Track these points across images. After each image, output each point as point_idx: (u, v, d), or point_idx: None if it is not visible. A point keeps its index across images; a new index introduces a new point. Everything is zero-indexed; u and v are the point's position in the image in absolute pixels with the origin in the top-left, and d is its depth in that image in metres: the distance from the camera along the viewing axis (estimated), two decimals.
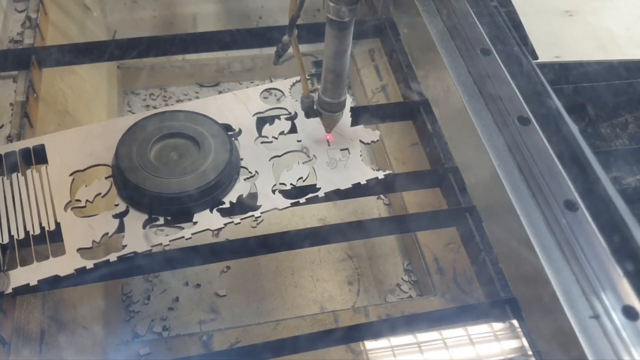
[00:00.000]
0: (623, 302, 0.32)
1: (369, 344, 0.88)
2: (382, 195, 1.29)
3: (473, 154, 0.42)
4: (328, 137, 0.82)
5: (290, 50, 0.75)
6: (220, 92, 1.47)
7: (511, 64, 0.45)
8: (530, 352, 0.81)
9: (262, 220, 1.22)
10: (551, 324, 0.33)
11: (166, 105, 1.41)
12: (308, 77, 0.79)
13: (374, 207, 1.28)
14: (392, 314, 0.98)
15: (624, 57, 1.04)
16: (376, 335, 0.80)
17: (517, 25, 0.90)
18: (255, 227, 1.20)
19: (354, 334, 0.73)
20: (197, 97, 1.44)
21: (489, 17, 0.49)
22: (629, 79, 0.92)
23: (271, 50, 1.45)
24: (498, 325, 0.85)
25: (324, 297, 1.12)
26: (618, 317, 0.31)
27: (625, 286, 0.32)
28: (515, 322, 0.81)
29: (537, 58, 0.95)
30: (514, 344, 0.83)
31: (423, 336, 0.87)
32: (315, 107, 0.73)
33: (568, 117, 0.42)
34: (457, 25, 0.48)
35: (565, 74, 0.98)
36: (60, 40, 1.10)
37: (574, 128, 0.40)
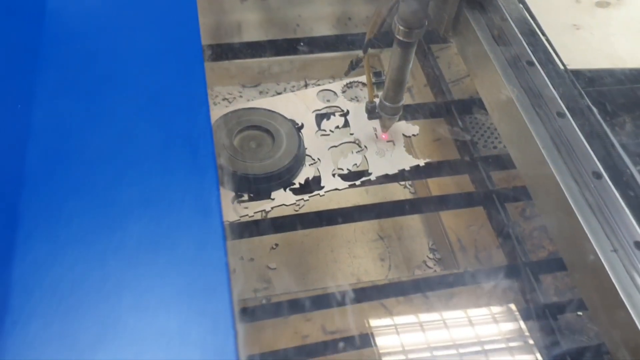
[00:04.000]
0: None
1: (373, 322, 1.00)
2: (408, 185, 1.46)
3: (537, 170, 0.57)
4: (384, 136, 0.98)
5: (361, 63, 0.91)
6: (260, 92, 1.63)
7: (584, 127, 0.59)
8: (527, 334, 0.95)
9: (304, 205, 1.38)
10: None
11: (214, 103, 1.57)
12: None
13: (401, 195, 1.44)
14: None
15: (626, 66, 1.21)
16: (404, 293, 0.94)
17: None
18: (297, 210, 1.36)
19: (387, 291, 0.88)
20: (241, 97, 1.60)
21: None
22: (631, 85, 1.08)
23: (306, 56, 1.60)
24: (496, 309, 0.99)
25: (360, 270, 1.29)
26: None
27: None
28: (513, 305, 0.96)
29: None
30: (510, 326, 0.92)
31: (424, 317, 0.99)
32: (377, 110, 0.89)
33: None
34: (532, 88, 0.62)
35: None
36: None
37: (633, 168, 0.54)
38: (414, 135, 1.02)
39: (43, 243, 0.38)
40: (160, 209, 0.40)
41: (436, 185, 1.34)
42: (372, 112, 0.91)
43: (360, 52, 0.87)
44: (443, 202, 1.01)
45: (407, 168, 0.96)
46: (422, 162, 0.97)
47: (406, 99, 1.51)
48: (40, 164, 0.42)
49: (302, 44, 1.13)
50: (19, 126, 0.43)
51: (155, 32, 0.52)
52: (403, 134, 1.01)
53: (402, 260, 1.32)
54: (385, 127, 0.94)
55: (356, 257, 1.31)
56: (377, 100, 0.90)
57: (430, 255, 1.32)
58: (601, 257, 0.51)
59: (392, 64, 0.79)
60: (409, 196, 1.44)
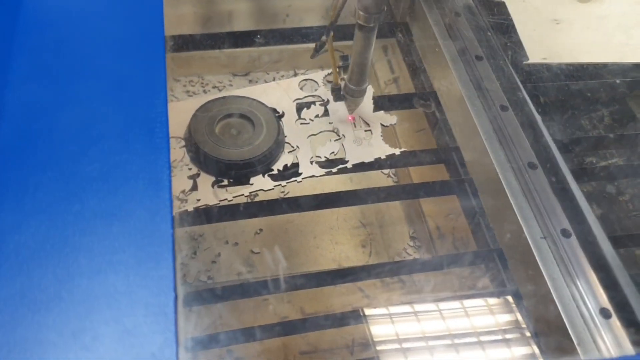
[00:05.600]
0: None
1: (368, 311, 1.04)
2: (391, 174, 1.49)
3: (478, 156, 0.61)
4: (350, 117, 1.02)
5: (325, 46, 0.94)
6: (250, 81, 1.66)
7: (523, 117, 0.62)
8: (524, 325, 0.99)
9: (289, 192, 1.42)
10: None
11: (204, 91, 1.60)
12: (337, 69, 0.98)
13: (384, 184, 1.47)
14: None
15: (600, 60, 1.24)
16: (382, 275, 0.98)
17: (513, 32, 1.10)
18: (283, 195, 1.39)
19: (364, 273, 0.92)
20: (231, 85, 1.63)
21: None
22: (600, 79, 1.11)
23: (296, 46, 1.64)
24: (493, 300, 1.03)
25: (342, 256, 1.33)
26: None
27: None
28: (510, 297, 0.99)
29: (527, 59, 1.15)
30: (507, 317, 0.92)
31: (419, 307, 1.03)
32: (342, 93, 0.93)
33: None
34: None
35: (551, 73, 1.17)
36: None
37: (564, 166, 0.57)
38: (392, 124, 1.05)
39: (8, 212, 0.42)
40: (116, 183, 0.44)
41: (418, 175, 1.37)
42: (337, 95, 0.94)
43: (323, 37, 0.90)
44: (417, 190, 1.05)
45: (383, 157, 1.00)
46: (397, 151, 1.00)
47: (391, 90, 1.55)
48: (10, 141, 0.45)
49: (258, 36, 1.17)
50: None
51: (121, 23, 0.55)
52: (381, 124, 1.05)
53: (383, 247, 1.36)
54: (350, 109, 0.98)
55: (338, 243, 1.35)
56: (342, 83, 0.94)
57: (411, 243, 1.36)
58: (531, 244, 0.54)
59: (355, 48, 0.83)
60: (392, 185, 1.48)
